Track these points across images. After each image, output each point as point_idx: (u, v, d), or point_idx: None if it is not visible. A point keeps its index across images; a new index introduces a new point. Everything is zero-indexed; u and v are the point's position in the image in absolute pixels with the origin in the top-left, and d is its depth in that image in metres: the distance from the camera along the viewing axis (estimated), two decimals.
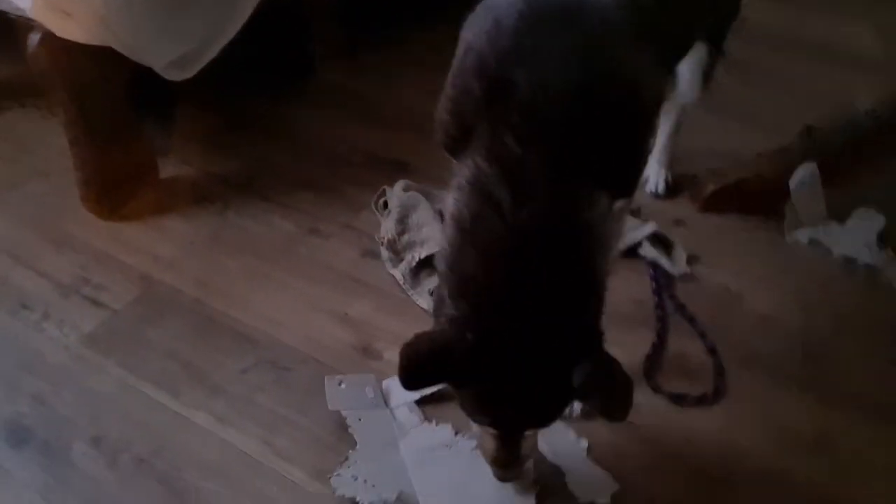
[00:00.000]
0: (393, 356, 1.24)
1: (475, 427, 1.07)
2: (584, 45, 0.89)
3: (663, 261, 1.41)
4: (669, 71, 1.29)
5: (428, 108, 0.95)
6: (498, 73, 0.88)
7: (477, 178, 0.88)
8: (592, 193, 0.89)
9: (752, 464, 1.10)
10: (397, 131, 1.73)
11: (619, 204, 0.99)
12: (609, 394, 0.88)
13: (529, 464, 1.05)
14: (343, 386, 1.19)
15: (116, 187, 1.54)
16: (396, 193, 1.51)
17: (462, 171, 0.91)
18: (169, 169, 1.65)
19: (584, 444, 1.11)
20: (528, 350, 0.87)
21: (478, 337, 0.87)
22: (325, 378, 1.19)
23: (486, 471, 1.07)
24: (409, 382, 0.90)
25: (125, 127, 1.53)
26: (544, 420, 0.95)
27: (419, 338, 0.90)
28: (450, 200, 0.93)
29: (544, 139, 0.86)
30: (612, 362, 0.88)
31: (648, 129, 0.99)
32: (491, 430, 0.97)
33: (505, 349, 0.87)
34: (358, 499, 1.05)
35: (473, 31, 0.94)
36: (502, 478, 1.03)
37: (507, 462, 1.00)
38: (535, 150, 0.86)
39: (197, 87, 1.87)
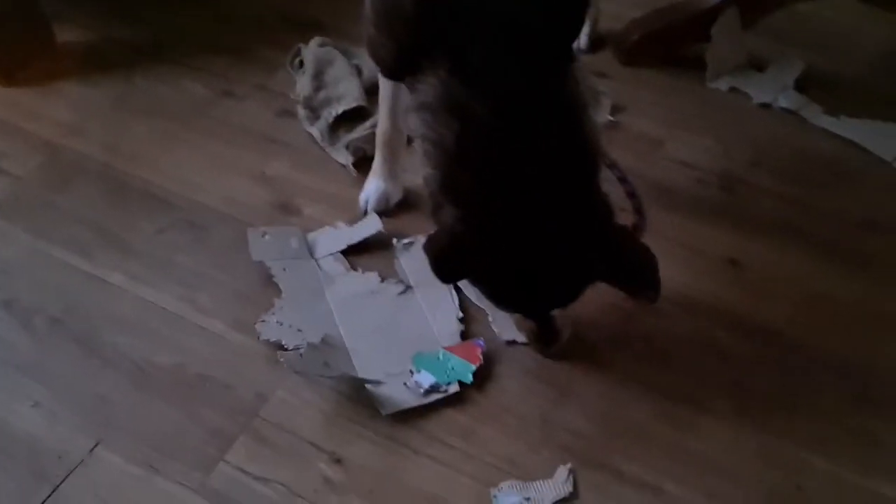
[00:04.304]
0: (312, 212, 1.24)
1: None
2: None
3: None
4: None
5: None
6: None
7: (447, 95, 0.84)
8: (561, 66, 0.87)
9: (670, 290, 1.12)
10: None
11: None
12: (632, 272, 0.89)
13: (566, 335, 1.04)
14: (267, 237, 1.17)
15: (9, 52, 1.44)
16: (311, 49, 1.44)
17: (423, 89, 0.86)
18: (67, 34, 1.54)
19: None
20: (542, 236, 0.87)
21: (491, 229, 0.86)
22: (249, 230, 1.16)
23: (411, 313, 1.09)
24: (447, 277, 0.94)
25: None
26: (567, 300, 0.95)
27: (438, 234, 0.90)
28: (417, 122, 0.88)
29: (503, 34, 0.83)
30: (628, 240, 0.89)
31: None
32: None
33: (520, 237, 0.87)
34: (283, 342, 1.05)
35: None
36: (545, 354, 1.04)
37: (547, 340, 1.02)
38: (498, 48, 0.83)
39: None
